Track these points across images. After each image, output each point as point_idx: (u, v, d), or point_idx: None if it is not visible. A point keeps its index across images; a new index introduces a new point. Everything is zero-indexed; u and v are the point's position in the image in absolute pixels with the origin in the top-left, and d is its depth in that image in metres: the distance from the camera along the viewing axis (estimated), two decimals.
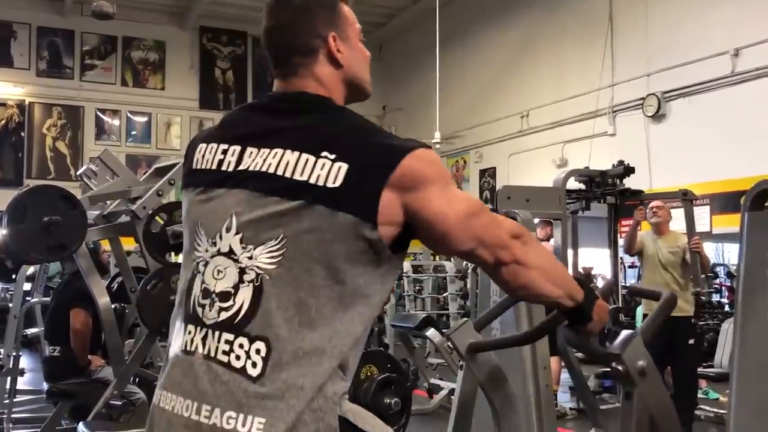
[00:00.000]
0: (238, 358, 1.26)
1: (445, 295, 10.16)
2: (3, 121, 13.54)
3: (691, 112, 8.90)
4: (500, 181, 12.22)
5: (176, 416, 1.29)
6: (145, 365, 4.79)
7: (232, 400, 1.24)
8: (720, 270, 12.02)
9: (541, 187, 5.22)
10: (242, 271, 1.30)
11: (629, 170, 5.78)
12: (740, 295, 3.05)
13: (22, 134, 13.60)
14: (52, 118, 13.83)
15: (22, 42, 13.69)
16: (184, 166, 1.51)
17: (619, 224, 7.12)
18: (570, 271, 5.51)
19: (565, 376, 6.35)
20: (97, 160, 4.79)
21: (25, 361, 6.60)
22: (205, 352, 1.29)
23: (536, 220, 4.71)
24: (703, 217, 8.04)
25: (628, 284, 9.87)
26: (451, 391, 6.65)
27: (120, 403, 4.17)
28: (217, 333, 1.29)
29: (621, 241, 7.59)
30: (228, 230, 1.33)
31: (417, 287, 10.72)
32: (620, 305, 8.65)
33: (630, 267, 11.05)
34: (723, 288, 11.89)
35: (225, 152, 1.40)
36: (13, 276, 6.32)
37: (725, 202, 8.11)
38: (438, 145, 11.71)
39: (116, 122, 14.32)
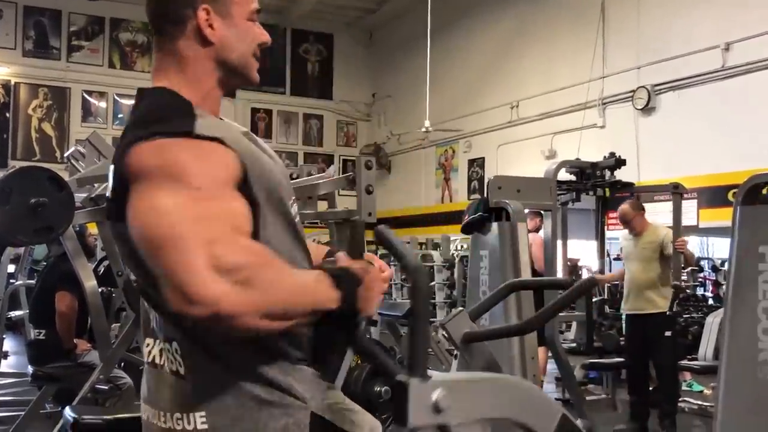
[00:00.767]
0: (171, 361, 1.30)
1: (431, 284, 10.17)
2: None
3: (681, 105, 8.93)
4: (489, 171, 12.23)
5: (151, 424, 1.36)
6: (131, 350, 4.76)
7: (177, 401, 1.29)
8: (705, 264, 12.07)
9: (532, 177, 5.22)
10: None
11: (620, 162, 5.79)
12: (730, 289, 3.07)
13: (7, 115, 13.45)
14: (38, 99, 13.68)
15: (8, 21, 13.51)
16: None
17: (606, 216, 7.14)
18: (559, 262, 5.52)
19: (551, 366, 6.38)
20: (85, 142, 4.73)
21: (8, 344, 6.55)
22: (160, 362, 1.34)
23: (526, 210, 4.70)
24: (690, 210, 8.07)
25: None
26: None
27: (106, 387, 4.13)
28: (161, 342, 1.34)
29: (608, 234, 7.62)
30: None
31: (403, 276, 10.74)
32: (606, 297, 8.71)
33: (616, 259, 11.11)
34: (707, 282, 11.95)
35: None
36: None
37: (712, 196, 8.15)
38: (428, 134, 11.72)
39: (103, 104, 14.19)
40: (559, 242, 5.52)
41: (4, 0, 13.46)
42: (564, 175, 5.98)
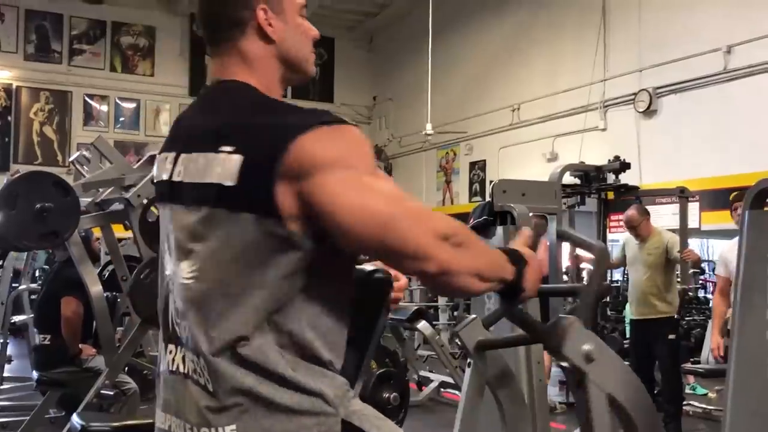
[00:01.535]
0: (200, 374, 1.27)
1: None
2: None
3: (683, 108, 8.92)
4: (490, 173, 12.22)
5: None
6: (136, 354, 4.76)
7: (203, 416, 1.26)
8: (706, 266, 12.08)
9: (536, 181, 5.19)
10: (183, 288, 1.30)
11: (625, 166, 5.80)
12: (738, 294, 3.06)
13: (9, 118, 13.43)
14: (40, 102, 13.67)
15: (9, 25, 13.50)
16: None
17: (608, 219, 7.15)
18: (565, 263, 5.51)
19: (554, 370, 6.37)
20: (90, 146, 4.73)
21: (12, 349, 6.55)
22: (185, 371, 1.30)
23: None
24: (692, 213, 8.07)
25: (615, 279, 9.93)
26: (441, 384, 6.67)
27: (111, 393, 4.13)
28: (187, 352, 1.30)
29: (610, 236, 7.61)
30: (170, 248, 1.34)
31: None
32: (608, 300, 8.70)
33: None
34: (709, 284, 11.96)
35: (167, 160, 1.38)
36: (1, 262, 6.26)
37: (714, 198, 8.14)
38: (429, 137, 11.72)
39: (104, 108, 14.18)
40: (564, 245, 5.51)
41: (6, 4, 13.46)
42: (568, 178, 5.99)
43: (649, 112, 9.28)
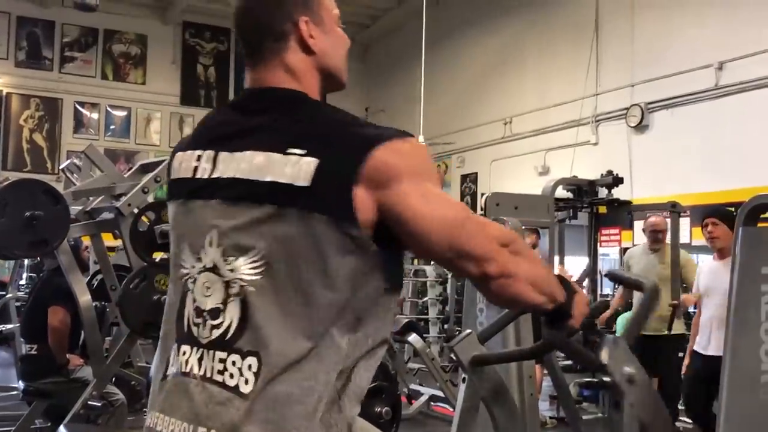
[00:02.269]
0: (231, 376, 1.22)
1: (424, 300, 10.13)
2: None
3: (674, 123, 8.96)
4: (482, 186, 12.24)
5: None
6: (125, 365, 4.71)
7: (227, 420, 1.20)
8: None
9: (529, 194, 5.21)
10: (227, 286, 1.25)
11: (618, 180, 5.81)
12: (732, 310, 3.05)
13: None
14: (30, 109, 13.60)
15: (1, 31, 13.45)
16: (168, 177, 1.47)
17: (599, 233, 7.15)
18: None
19: (545, 384, 6.35)
20: (81, 154, 4.70)
21: None
22: (201, 372, 1.25)
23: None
24: (683, 228, 8.09)
25: (605, 293, 9.92)
26: (431, 397, 6.63)
27: (99, 404, 4.08)
28: (211, 352, 1.25)
29: (601, 250, 7.60)
30: (210, 244, 1.28)
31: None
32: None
33: (606, 276, 11.13)
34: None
35: (200, 158, 1.35)
36: None
37: (704, 214, 8.15)
38: None
39: (95, 116, 14.12)
40: (556, 258, 5.51)
41: None
42: (560, 192, 5.99)
43: (640, 127, 9.31)
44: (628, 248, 6.95)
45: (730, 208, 7.73)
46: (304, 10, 1.37)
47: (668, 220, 5.81)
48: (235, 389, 1.21)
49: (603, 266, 9.15)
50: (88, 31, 14.05)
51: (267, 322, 1.21)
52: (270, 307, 1.22)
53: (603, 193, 6.45)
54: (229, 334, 1.24)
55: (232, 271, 1.25)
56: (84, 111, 14.06)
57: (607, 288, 10.98)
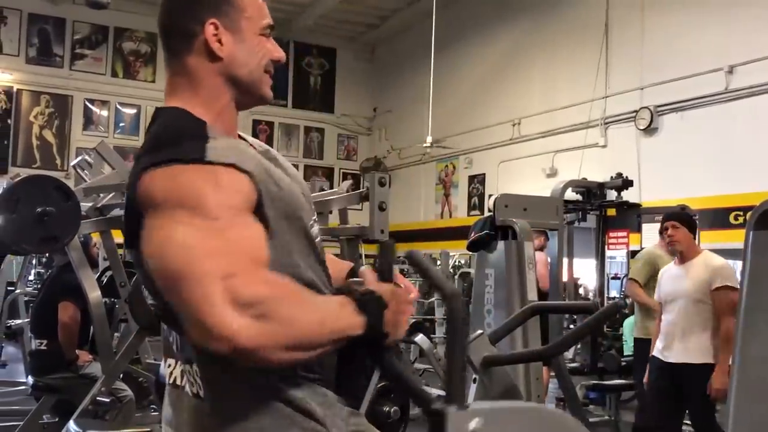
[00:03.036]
0: (192, 384, 1.27)
1: (430, 300, 10.13)
2: None
3: (683, 127, 8.94)
4: (489, 188, 12.22)
5: None
6: (133, 361, 4.72)
7: (197, 425, 1.26)
8: None
9: (539, 196, 5.22)
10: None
11: (627, 183, 5.80)
12: (742, 314, 3.05)
13: (9, 121, 13.40)
14: (40, 106, 13.65)
15: (12, 28, 13.50)
16: None
17: (607, 236, 7.14)
18: (564, 280, 5.47)
19: (551, 386, 6.34)
20: (92, 151, 4.71)
21: (6, 353, 6.50)
22: (182, 383, 1.30)
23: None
24: None
25: (612, 296, 9.89)
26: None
27: (107, 400, 4.09)
28: (182, 363, 1.30)
29: (608, 253, 7.59)
30: None
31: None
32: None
33: (613, 278, 11.08)
34: None
35: None
36: None
37: (713, 218, 8.14)
38: (428, 149, 11.73)
39: (105, 113, 14.17)
40: (565, 261, 5.51)
41: (9, 7, 13.46)
42: (568, 194, 5.98)
43: (650, 129, 9.29)
44: (636, 251, 6.92)
45: (739, 212, 7.74)
46: (214, 12, 1.30)
47: None
48: (197, 395, 1.27)
49: (610, 269, 9.14)
50: (99, 29, 14.10)
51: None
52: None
53: (612, 195, 6.44)
54: (177, 345, 1.31)
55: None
56: (94, 108, 14.11)
57: (613, 290, 10.97)
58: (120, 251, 5.05)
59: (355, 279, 1.47)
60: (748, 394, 2.90)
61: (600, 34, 10.11)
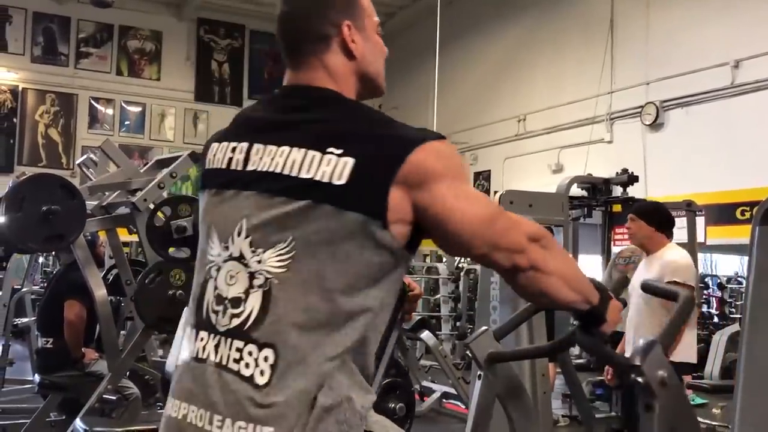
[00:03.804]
0: (247, 366, 1.23)
1: (436, 297, 10.14)
2: None
3: (689, 122, 8.92)
4: (495, 184, 12.21)
5: (189, 425, 1.26)
6: (139, 359, 4.73)
7: (241, 410, 1.21)
8: (710, 281, 12.05)
9: (544, 192, 5.19)
10: (252, 276, 1.26)
11: (633, 179, 5.78)
12: (747, 311, 3.03)
13: (15, 120, 13.46)
14: (45, 104, 13.70)
15: (17, 27, 13.54)
16: (201, 167, 1.48)
17: (613, 231, 7.12)
18: None
19: (557, 382, 6.33)
20: (97, 149, 4.72)
21: (13, 351, 6.53)
22: (217, 360, 1.26)
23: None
24: (698, 227, 8.05)
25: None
26: (443, 395, 6.63)
27: (114, 398, 4.10)
28: (228, 340, 1.26)
29: (614, 249, 7.57)
30: (239, 234, 1.30)
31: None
32: None
33: None
34: (712, 299, 11.92)
35: (234, 150, 1.36)
36: (4, 264, 6.25)
37: (719, 213, 8.12)
38: None
39: (110, 111, 14.21)
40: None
41: (14, 6, 13.50)
42: (574, 190, 5.97)
43: (655, 125, 9.27)
44: None
45: (745, 208, 7.71)
46: (346, 15, 1.40)
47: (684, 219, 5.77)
48: (250, 379, 1.22)
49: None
50: (104, 27, 14.13)
51: (287, 316, 1.23)
52: (291, 301, 1.23)
53: (617, 191, 6.42)
54: (248, 324, 1.25)
55: (258, 262, 1.26)
56: (99, 107, 14.14)
57: None
58: (126, 249, 5.07)
59: None
60: (754, 389, 2.88)
61: (605, 29, 10.08)
